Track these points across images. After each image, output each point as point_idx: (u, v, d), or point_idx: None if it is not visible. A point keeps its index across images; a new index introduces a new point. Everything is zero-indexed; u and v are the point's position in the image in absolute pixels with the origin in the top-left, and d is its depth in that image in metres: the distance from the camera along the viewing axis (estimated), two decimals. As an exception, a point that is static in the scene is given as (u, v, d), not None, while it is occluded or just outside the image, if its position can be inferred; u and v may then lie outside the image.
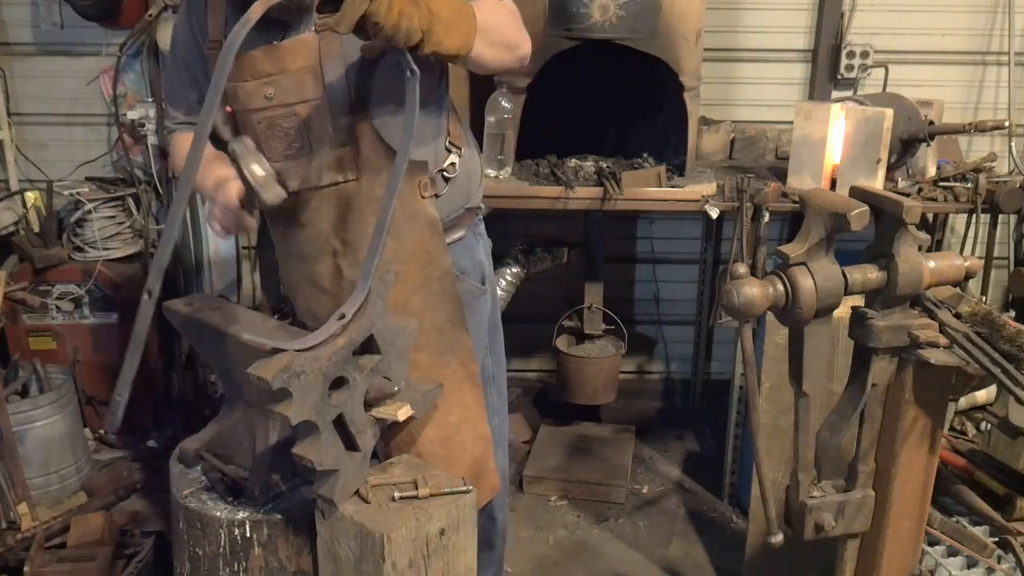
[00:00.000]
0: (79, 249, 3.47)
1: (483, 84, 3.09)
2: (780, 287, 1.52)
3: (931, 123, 3.08)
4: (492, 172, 2.98)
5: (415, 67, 1.49)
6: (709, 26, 3.23)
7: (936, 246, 3.55)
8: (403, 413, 1.68)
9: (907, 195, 2.89)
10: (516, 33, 1.70)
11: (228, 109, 1.79)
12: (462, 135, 1.95)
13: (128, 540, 2.60)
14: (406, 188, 1.78)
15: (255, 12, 1.40)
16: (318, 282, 1.91)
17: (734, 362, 3.10)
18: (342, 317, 1.58)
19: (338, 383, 1.60)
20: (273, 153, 1.78)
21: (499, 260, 3.38)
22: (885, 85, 3.61)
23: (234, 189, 1.68)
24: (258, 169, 1.61)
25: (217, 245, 3.68)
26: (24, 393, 3.09)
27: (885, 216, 1.55)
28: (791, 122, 3.10)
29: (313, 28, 1.70)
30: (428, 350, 1.88)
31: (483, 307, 2.05)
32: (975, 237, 3.10)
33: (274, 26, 1.72)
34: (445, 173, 1.87)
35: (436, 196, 1.85)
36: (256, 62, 1.73)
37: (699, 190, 2.96)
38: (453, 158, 1.89)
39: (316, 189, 1.81)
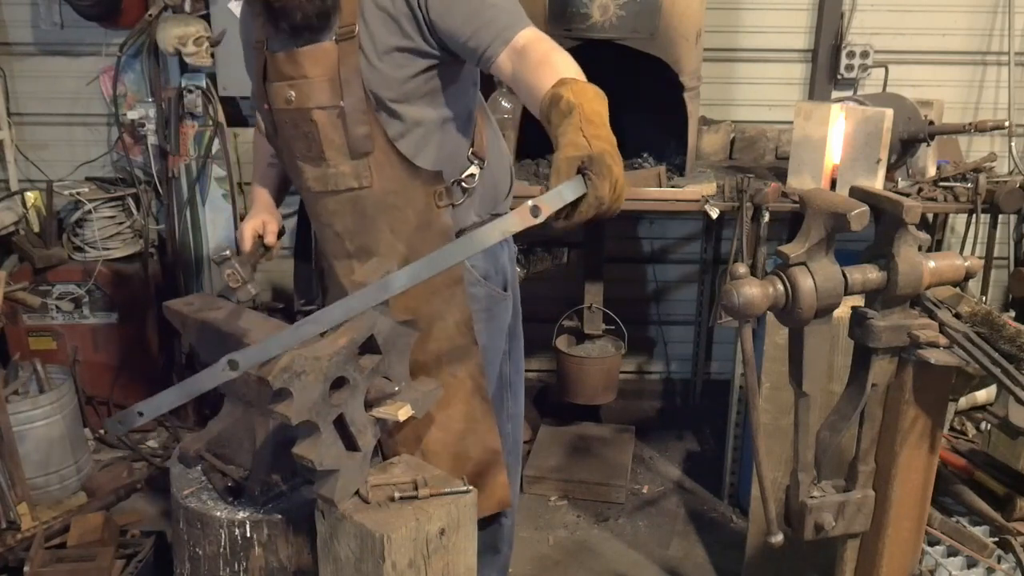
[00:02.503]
0: (79, 249, 3.47)
1: (483, 84, 3.08)
2: (780, 287, 1.52)
3: (931, 123, 3.08)
4: (492, 172, 2.98)
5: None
6: (709, 26, 3.23)
7: (936, 246, 3.55)
8: (403, 413, 1.68)
9: (907, 195, 2.89)
10: None
11: (266, 106, 1.85)
12: (488, 147, 1.94)
13: (128, 540, 2.60)
14: (421, 198, 1.81)
15: None
16: (338, 280, 1.96)
17: (734, 362, 3.11)
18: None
19: (338, 383, 1.59)
20: (296, 152, 1.83)
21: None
22: (885, 85, 3.61)
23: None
24: (229, 278, 1.89)
25: (218, 245, 3.68)
26: (24, 393, 3.09)
27: (885, 216, 1.55)
28: (791, 122, 3.10)
29: (334, 37, 1.71)
30: (437, 359, 1.90)
31: (503, 313, 2.05)
32: (975, 237, 3.10)
33: (303, 31, 1.73)
34: (463, 184, 1.87)
35: (452, 206, 1.86)
36: (280, 64, 1.77)
37: (699, 190, 2.96)
38: (473, 170, 1.88)
39: (334, 193, 1.84)
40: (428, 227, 1.84)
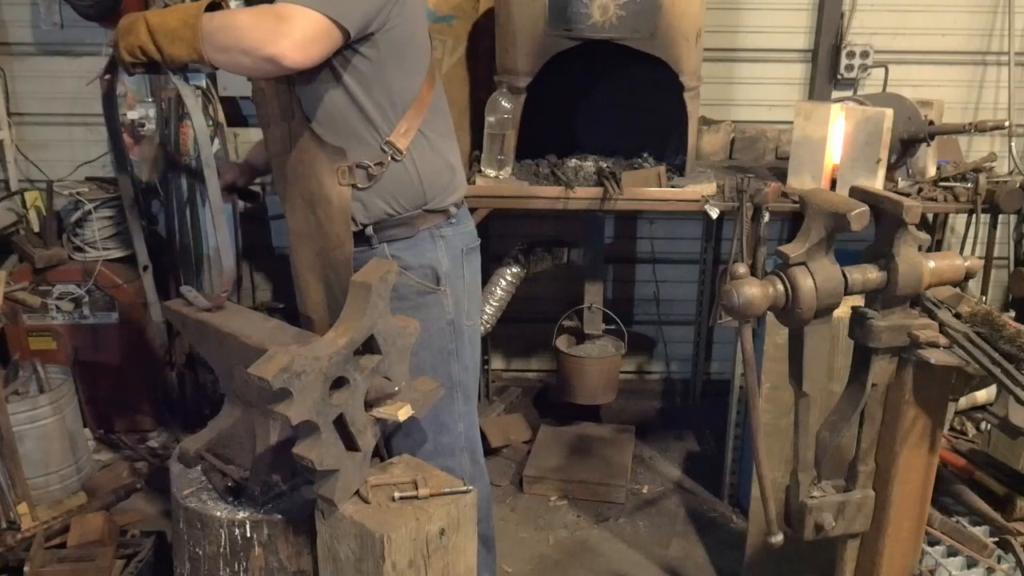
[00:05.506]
0: (79, 249, 3.47)
1: (483, 85, 3.09)
2: (780, 287, 1.52)
3: (931, 123, 3.08)
4: (492, 172, 2.98)
5: (175, 79, 1.81)
6: (709, 26, 3.24)
7: (936, 246, 3.55)
8: (403, 413, 1.68)
9: (907, 195, 2.89)
10: (253, 37, 1.71)
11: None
12: (416, 145, 1.97)
13: (128, 540, 2.60)
14: (326, 170, 1.93)
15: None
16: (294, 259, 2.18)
17: (734, 362, 3.10)
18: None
19: (338, 383, 1.60)
20: (260, 118, 2.05)
21: (499, 260, 3.38)
22: (885, 85, 3.61)
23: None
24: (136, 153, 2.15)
25: (215, 246, 3.68)
26: (24, 393, 3.09)
27: (885, 216, 1.56)
28: (791, 122, 3.10)
29: None
30: (316, 315, 2.10)
31: (434, 306, 2.05)
32: (975, 237, 3.10)
33: None
34: (369, 170, 1.93)
35: (355, 187, 1.94)
36: None
37: (699, 190, 2.96)
38: (382, 159, 1.93)
39: (275, 156, 2.04)
40: (328, 200, 1.95)
